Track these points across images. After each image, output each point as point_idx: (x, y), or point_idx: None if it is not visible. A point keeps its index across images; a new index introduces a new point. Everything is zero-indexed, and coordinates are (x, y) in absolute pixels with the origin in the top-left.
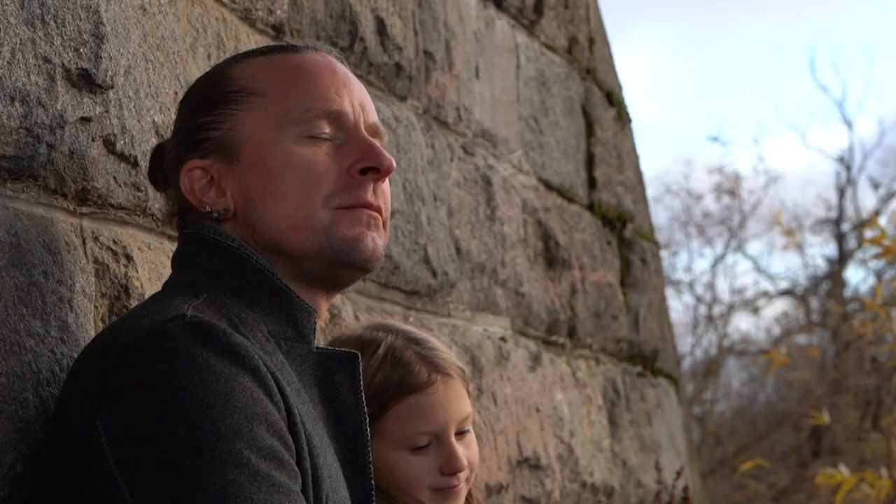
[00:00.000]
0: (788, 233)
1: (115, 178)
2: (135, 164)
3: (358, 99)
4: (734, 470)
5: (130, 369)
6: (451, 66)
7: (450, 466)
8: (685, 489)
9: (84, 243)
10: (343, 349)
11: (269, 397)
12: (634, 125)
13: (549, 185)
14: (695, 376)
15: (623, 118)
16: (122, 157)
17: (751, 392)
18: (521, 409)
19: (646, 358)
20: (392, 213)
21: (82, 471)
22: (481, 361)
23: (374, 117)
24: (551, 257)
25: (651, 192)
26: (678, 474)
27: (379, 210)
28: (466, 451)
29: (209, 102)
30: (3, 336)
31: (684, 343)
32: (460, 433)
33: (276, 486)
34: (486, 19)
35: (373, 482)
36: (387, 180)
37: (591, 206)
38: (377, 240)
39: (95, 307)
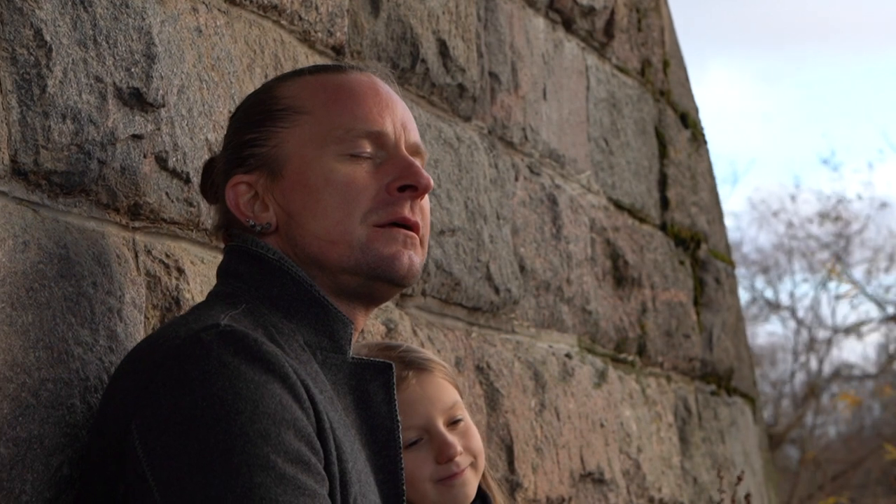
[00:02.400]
0: None
1: (167, 193)
2: (187, 181)
3: (400, 119)
4: (832, 495)
5: (165, 376)
6: (516, 88)
7: (443, 455)
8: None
9: (136, 256)
10: (378, 359)
11: (299, 404)
12: (737, 151)
13: (619, 205)
14: (795, 401)
15: (698, 139)
16: (174, 174)
17: (856, 418)
18: (584, 424)
19: (720, 377)
20: (453, 231)
21: (118, 473)
22: (544, 377)
23: (415, 137)
24: (620, 276)
25: (755, 216)
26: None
27: (416, 226)
28: (462, 439)
29: (256, 119)
30: (51, 344)
31: (786, 368)
32: (453, 423)
33: (301, 488)
34: (554, 42)
35: (404, 488)
36: (426, 198)
37: (663, 226)
38: (413, 257)
39: (147, 318)
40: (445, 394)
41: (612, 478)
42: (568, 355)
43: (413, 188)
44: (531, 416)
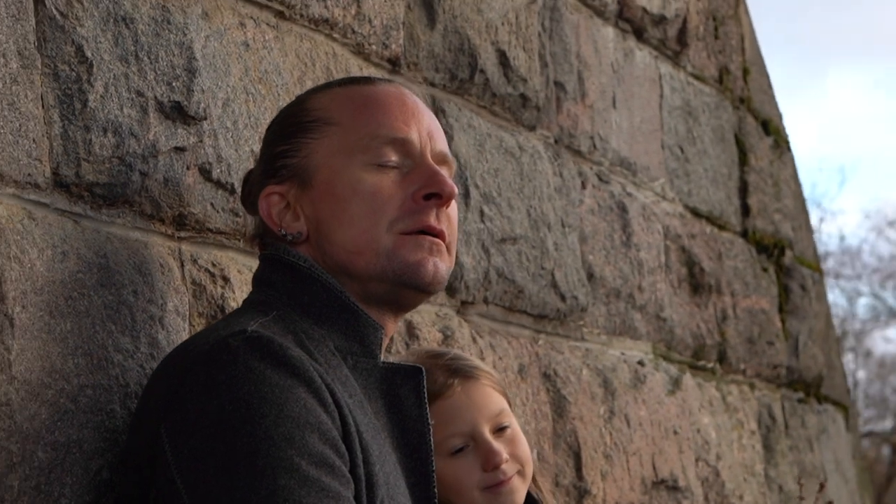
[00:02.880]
0: None
1: (212, 204)
2: (232, 192)
3: (426, 128)
4: None
5: (192, 380)
6: (583, 97)
7: (489, 462)
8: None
9: (182, 265)
10: (408, 363)
11: (324, 407)
12: (849, 155)
13: (696, 213)
14: None
15: (781, 146)
16: (218, 185)
17: None
18: (656, 431)
19: (808, 384)
20: (515, 239)
21: (150, 476)
22: (613, 384)
23: (441, 146)
24: (696, 283)
25: (872, 225)
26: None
27: (442, 234)
28: (509, 446)
29: (288, 131)
30: (90, 351)
31: None
32: (499, 430)
33: (325, 490)
34: (624, 51)
35: (435, 490)
36: (454, 206)
37: (744, 233)
38: (439, 264)
39: (192, 326)
40: (492, 401)
41: (686, 485)
42: (640, 362)
43: (438, 196)
44: (600, 423)
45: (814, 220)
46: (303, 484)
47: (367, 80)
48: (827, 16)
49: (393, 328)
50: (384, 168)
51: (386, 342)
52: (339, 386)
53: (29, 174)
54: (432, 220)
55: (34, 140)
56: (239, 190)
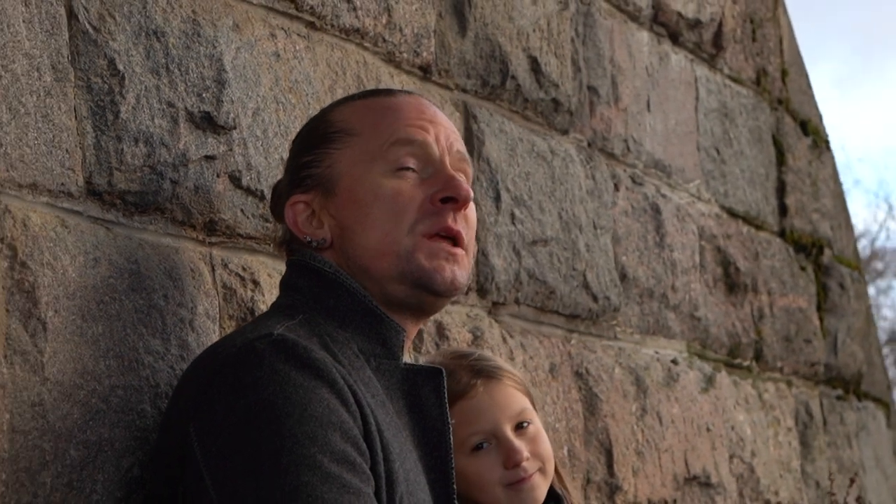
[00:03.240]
0: None
1: (242, 210)
2: (262, 198)
3: (444, 134)
4: None
5: (220, 382)
6: (617, 101)
7: (510, 460)
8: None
9: (213, 270)
10: (429, 365)
11: (346, 407)
12: None
13: (732, 213)
14: None
15: (820, 146)
16: (248, 192)
17: None
18: (689, 428)
19: (847, 382)
20: (546, 241)
21: (180, 474)
22: (646, 382)
23: (458, 152)
24: (732, 282)
25: None
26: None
27: (459, 235)
28: (531, 444)
29: (312, 143)
30: (121, 353)
31: None
32: (521, 428)
33: (346, 486)
34: (659, 54)
35: (454, 486)
36: (472, 208)
37: (782, 233)
38: (456, 271)
39: (222, 328)
40: (514, 401)
41: (719, 481)
42: (674, 361)
43: (454, 200)
44: (632, 421)
45: (880, 217)
46: (325, 480)
47: (388, 92)
48: (883, 7)
49: (414, 331)
50: (403, 173)
51: (408, 345)
52: (361, 386)
53: (62, 183)
54: (450, 222)
55: (67, 150)
56: (268, 198)
